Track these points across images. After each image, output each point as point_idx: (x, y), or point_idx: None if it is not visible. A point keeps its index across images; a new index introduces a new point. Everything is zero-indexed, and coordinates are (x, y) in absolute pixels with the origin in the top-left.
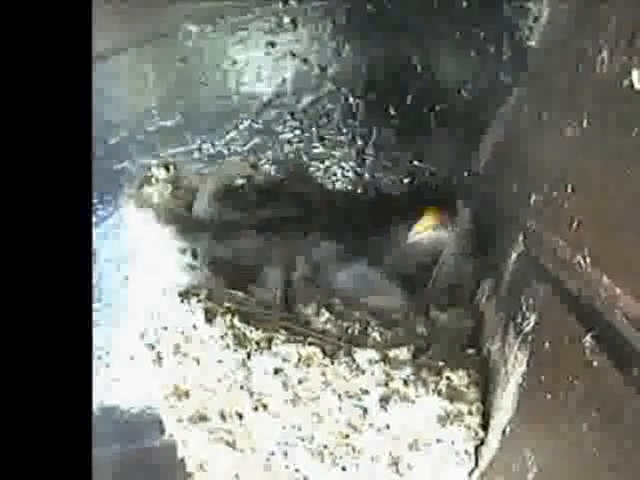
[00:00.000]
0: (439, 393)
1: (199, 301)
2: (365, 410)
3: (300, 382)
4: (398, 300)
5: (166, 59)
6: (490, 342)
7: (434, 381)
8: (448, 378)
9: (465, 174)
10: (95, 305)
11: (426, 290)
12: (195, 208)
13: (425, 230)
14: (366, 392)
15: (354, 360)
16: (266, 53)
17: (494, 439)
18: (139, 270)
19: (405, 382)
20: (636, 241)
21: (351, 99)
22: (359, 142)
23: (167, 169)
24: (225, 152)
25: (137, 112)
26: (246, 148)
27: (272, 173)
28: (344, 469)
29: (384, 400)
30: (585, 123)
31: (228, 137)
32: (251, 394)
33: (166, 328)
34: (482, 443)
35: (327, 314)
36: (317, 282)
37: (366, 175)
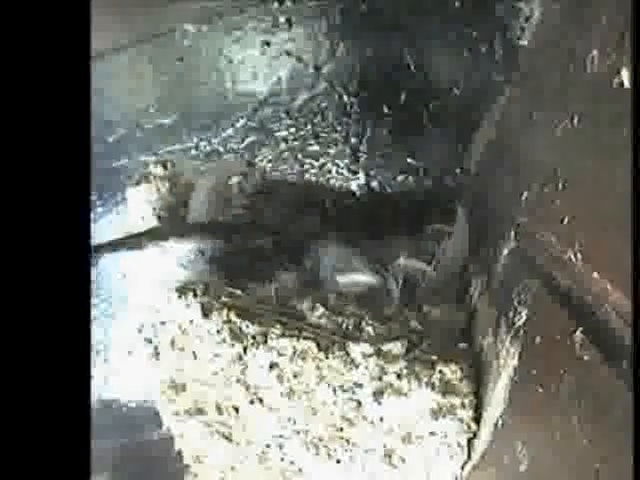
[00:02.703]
0: (432, 387)
1: (196, 296)
2: (359, 403)
3: (295, 376)
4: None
5: (163, 58)
6: (482, 336)
7: (427, 375)
8: (441, 372)
9: (458, 172)
10: (94, 300)
11: (420, 288)
12: (191, 206)
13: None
14: (360, 386)
15: (348, 354)
16: (262, 52)
17: (486, 432)
18: (137, 265)
19: (398, 376)
20: (625, 237)
21: (345, 97)
22: (353, 140)
23: (164, 166)
24: (221, 150)
25: (135, 111)
26: (242, 146)
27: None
28: (338, 462)
29: (378, 393)
30: (576, 121)
31: (224, 135)
32: (247, 388)
33: (163, 323)
34: (474, 436)
35: (322, 309)
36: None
37: (360, 172)
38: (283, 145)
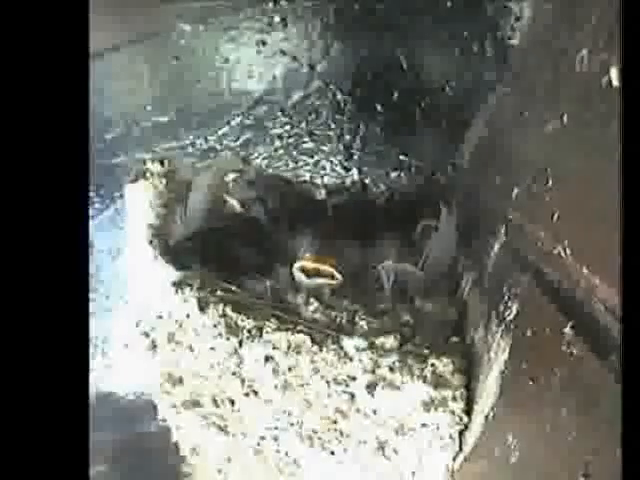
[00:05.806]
0: (424, 380)
1: (192, 291)
2: (353, 396)
3: (290, 369)
4: None
5: (161, 57)
6: (474, 330)
7: (419, 368)
8: (433, 365)
9: (449, 169)
10: (92, 295)
11: (412, 283)
12: (190, 204)
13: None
14: (354, 379)
15: (342, 348)
16: (257, 51)
17: (477, 424)
18: (135, 261)
19: (391, 369)
20: (614, 232)
21: (339, 96)
22: (347, 137)
23: (161, 163)
24: (218, 147)
25: (133, 109)
26: (238, 143)
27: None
28: (332, 453)
29: (371, 386)
30: (565, 120)
31: (220, 132)
32: (242, 381)
33: (161, 317)
34: (466, 428)
35: (316, 303)
36: None
37: (353, 169)
38: (278, 142)
